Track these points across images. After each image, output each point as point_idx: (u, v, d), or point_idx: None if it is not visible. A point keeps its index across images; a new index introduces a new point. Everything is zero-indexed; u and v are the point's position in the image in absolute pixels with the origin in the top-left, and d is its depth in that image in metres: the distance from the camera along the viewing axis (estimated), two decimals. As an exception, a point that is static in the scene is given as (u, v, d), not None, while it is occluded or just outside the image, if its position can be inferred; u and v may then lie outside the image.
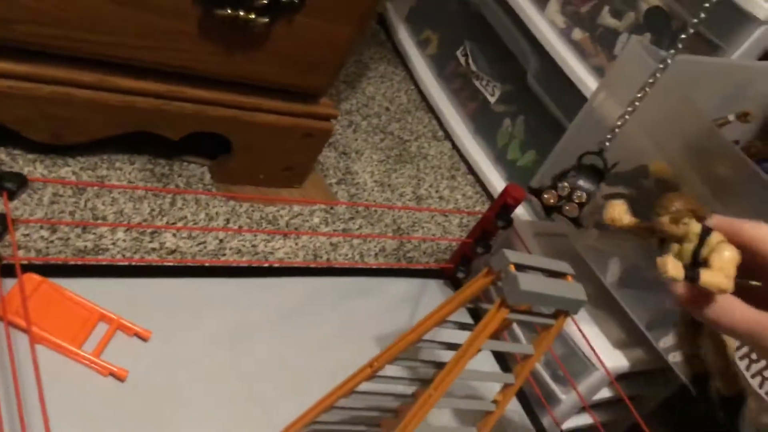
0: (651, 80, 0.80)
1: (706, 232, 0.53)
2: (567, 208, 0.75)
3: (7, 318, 0.60)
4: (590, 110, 0.93)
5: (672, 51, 0.79)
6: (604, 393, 0.92)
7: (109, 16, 0.79)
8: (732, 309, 0.52)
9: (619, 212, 0.58)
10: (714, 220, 0.55)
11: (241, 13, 0.83)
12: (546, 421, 0.90)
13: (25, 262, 0.67)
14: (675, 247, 0.55)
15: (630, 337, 0.91)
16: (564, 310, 0.58)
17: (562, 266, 0.59)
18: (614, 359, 0.88)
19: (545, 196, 0.73)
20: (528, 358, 0.60)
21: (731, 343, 0.64)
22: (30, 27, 0.77)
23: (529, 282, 0.55)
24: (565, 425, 0.93)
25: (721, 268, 0.52)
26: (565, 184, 0.72)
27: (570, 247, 0.92)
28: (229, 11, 0.82)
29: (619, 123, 0.79)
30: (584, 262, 0.90)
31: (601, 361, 0.85)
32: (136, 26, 0.81)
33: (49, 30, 0.78)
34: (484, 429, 0.62)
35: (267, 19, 0.85)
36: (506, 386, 0.62)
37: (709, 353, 0.64)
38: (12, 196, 0.58)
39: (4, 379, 0.59)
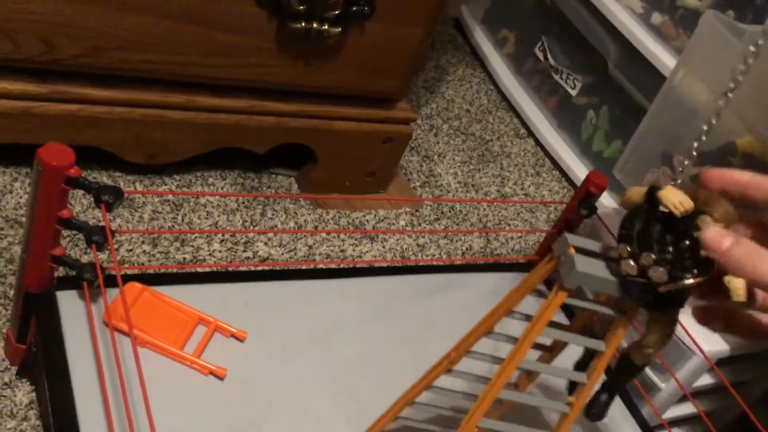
0: (743, 66, 0.74)
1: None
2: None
3: (112, 324, 0.65)
4: (669, 90, 0.91)
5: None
6: (706, 380, 0.89)
7: (191, 39, 0.84)
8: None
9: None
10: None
11: (315, 25, 0.86)
12: (646, 411, 0.88)
13: (125, 272, 0.71)
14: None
15: (729, 319, 0.88)
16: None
17: None
18: (712, 343, 0.86)
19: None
20: (600, 355, 0.58)
21: None
22: (117, 53, 0.82)
23: (587, 264, 0.53)
24: (666, 415, 0.90)
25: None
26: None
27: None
28: (303, 24, 0.86)
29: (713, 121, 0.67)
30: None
31: (698, 345, 0.82)
32: (217, 46, 0.86)
33: (135, 55, 0.83)
34: None
35: (339, 29, 0.88)
36: (580, 386, 0.60)
37: None
38: (109, 207, 0.62)
39: (113, 381, 0.64)
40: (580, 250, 0.54)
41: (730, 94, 0.64)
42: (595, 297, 0.60)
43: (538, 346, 0.66)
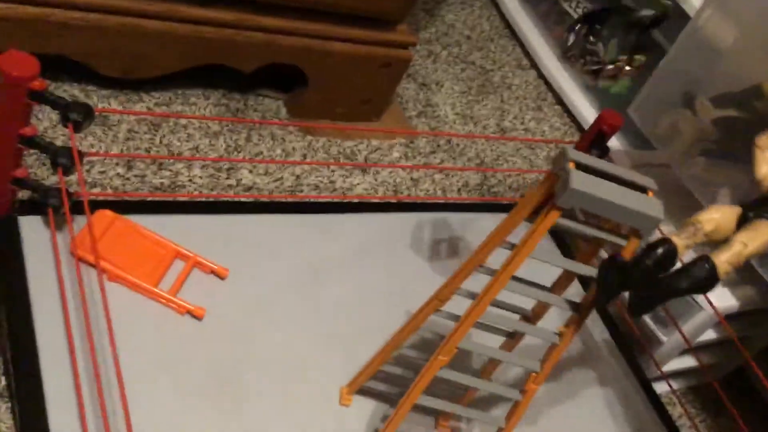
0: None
1: None
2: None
3: (78, 254, 0.58)
4: (695, 29, 0.84)
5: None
6: (708, 335, 0.86)
7: (175, -60, 0.75)
8: None
9: None
10: None
11: (313, -68, 0.78)
12: (645, 364, 0.85)
13: (95, 198, 0.65)
14: None
15: (739, 274, 0.83)
16: (634, 227, 0.52)
17: (644, 180, 0.52)
18: (722, 299, 0.82)
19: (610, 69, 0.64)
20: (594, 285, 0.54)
21: None
22: (95, -46, 0.74)
23: (585, 181, 0.48)
24: (666, 368, 0.87)
25: None
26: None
27: (674, 179, 0.85)
28: (300, -71, 0.77)
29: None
30: (690, 194, 0.82)
31: (709, 301, 0.78)
32: (204, -50, 0.77)
33: (114, -43, 0.75)
34: (548, 363, 0.57)
35: (340, -63, 0.79)
36: (572, 317, 0.56)
37: None
38: (78, 127, 0.55)
39: (78, 317, 0.58)
40: (581, 166, 0.49)
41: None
42: (603, 223, 0.54)
43: (518, 312, 0.62)
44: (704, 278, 0.48)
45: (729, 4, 0.82)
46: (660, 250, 0.48)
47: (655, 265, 0.49)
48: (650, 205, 0.50)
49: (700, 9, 0.87)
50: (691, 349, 0.80)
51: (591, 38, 0.60)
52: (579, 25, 0.58)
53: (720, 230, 0.50)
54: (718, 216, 0.50)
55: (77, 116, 0.55)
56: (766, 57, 0.78)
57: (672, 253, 0.49)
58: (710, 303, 0.77)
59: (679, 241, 0.49)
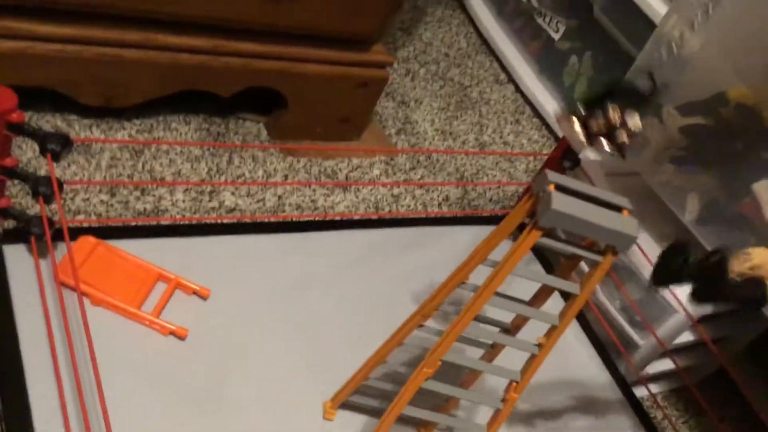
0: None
1: None
2: (619, 136, 0.70)
3: (61, 280, 0.60)
4: (660, 37, 0.87)
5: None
6: (686, 336, 0.87)
7: (150, -28, 0.78)
8: None
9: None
10: None
11: (284, -41, 0.80)
12: (623, 368, 0.86)
13: (79, 225, 0.66)
14: None
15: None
16: (610, 244, 0.54)
17: (619, 200, 0.55)
18: (696, 301, 0.83)
19: (593, 122, 0.69)
20: (573, 298, 0.56)
21: None
22: (72, -13, 0.76)
23: (564, 203, 0.51)
24: (646, 371, 0.88)
25: None
26: (614, 109, 0.67)
27: (644, 186, 0.87)
28: (271, -43, 0.79)
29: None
30: (660, 201, 0.84)
31: (681, 304, 0.80)
32: (178, -20, 0.79)
33: (91, -10, 0.77)
34: (528, 372, 0.59)
35: (311, -37, 0.82)
36: (551, 329, 0.58)
37: None
38: (56, 157, 0.57)
39: (64, 343, 0.59)
40: (561, 188, 0.51)
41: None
42: (582, 240, 0.57)
43: (497, 326, 0.63)
44: (757, 294, 0.55)
45: (690, 13, 0.85)
46: (715, 257, 0.56)
47: (708, 267, 0.56)
48: (626, 224, 0.53)
49: (666, 16, 0.89)
50: (667, 352, 0.81)
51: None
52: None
53: (764, 267, 0.55)
54: (766, 254, 0.56)
55: (55, 146, 0.57)
56: (729, 64, 0.80)
57: (724, 263, 0.55)
58: (683, 306, 0.79)
59: (731, 259, 0.56)
